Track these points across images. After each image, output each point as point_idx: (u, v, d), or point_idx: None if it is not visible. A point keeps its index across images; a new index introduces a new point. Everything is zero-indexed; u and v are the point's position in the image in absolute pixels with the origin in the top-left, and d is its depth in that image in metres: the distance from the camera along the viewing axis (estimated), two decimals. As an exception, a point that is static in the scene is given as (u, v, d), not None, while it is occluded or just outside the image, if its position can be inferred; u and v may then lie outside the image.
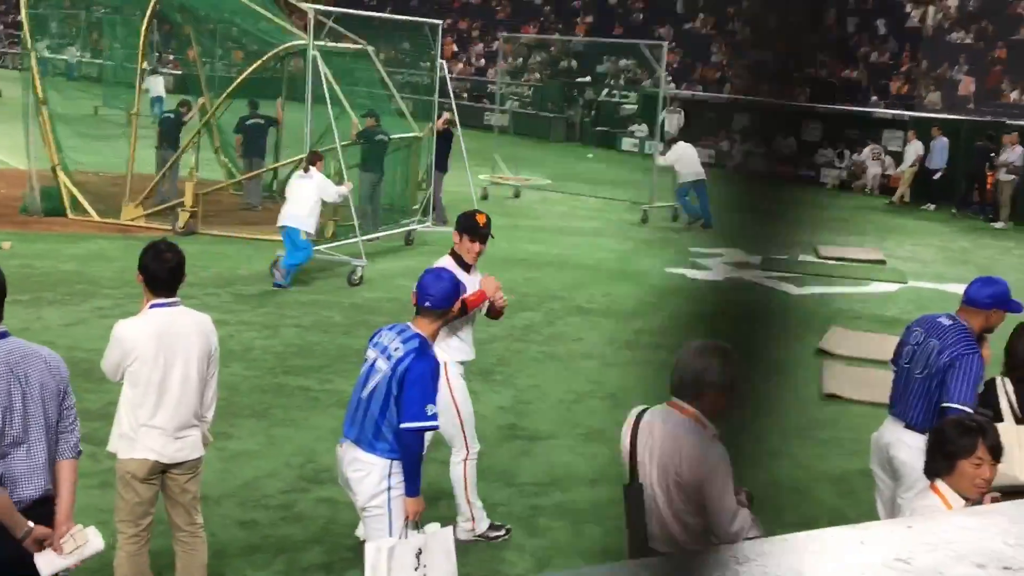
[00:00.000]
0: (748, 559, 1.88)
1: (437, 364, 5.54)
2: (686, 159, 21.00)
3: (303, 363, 10.74)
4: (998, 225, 23.46)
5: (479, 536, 7.21)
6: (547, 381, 10.68)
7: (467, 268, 7.14)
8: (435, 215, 19.42)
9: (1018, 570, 1.82)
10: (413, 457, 5.48)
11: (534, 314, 13.31)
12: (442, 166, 19.33)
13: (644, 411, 4.63)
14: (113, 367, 5.52)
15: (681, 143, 21.87)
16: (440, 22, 20.02)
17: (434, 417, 5.44)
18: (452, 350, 6.98)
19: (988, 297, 5.99)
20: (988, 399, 5.77)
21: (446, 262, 7.08)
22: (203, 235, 16.78)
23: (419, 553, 5.52)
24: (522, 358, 11.34)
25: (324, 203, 14.35)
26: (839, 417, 10.15)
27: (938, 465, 4.54)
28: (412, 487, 5.52)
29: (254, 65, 18.84)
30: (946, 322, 6.02)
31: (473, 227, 7.05)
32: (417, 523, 5.60)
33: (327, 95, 16.35)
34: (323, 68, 15.85)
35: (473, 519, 7.20)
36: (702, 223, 20.55)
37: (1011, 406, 5.70)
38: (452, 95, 16.79)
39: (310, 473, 7.98)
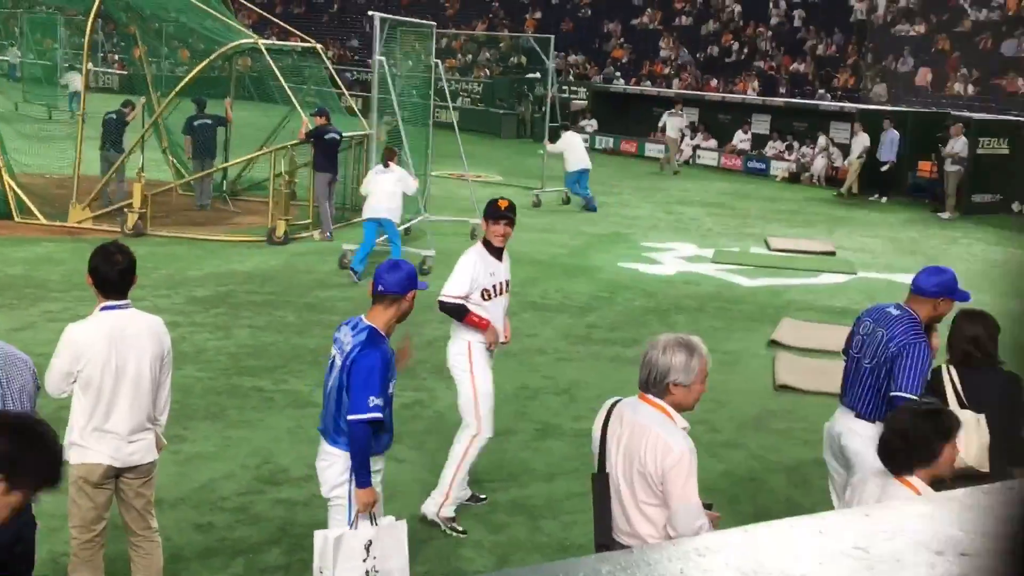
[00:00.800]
0: (709, 551, 1.89)
1: (385, 355, 5.48)
2: (573, 148, 21.73)
3: (257, 364, 10.67)
4: (945, 216, 23.77)
5: (441, 519, 7.23)
6: (501, 377, 10.64)
7: (498, 255, 7.45)
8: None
9: (974, 556, 1.84)
10: (359, 448, 5.49)
11: (488, 310, 13.28)
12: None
13: (617, 402, 4.69)
14: (60, 376, 5.41)
15: (570, 133, 22.56)
16: (434, 24, 20.23)
17: (376, 409, 5.40)
18: (476, 329, 7.43)
19: (935, 286, 6.06)
20: (934, 387, 5.85)
21: (477, 249, 7.44)
22: (152, 236, 16.62)
23: (368, 544, 5.52)
24: (477, 355, 11.33)
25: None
26: (792, 407, 10.24)
27: (917, 457, 4.43)
28: (361, 478, 5.53)
29: (201, 64, 18.69)
30: (894, 312, 6.09)
31: (494, 210, 7.32)
32: (372, 515, 5.60)
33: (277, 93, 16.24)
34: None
35: (446, 498, 7.23)
36: (588, 207, 21.45)
37: (956, 392, 5.78)
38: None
39: (266, 474, 7.93)
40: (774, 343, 12.43)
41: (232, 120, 20.08)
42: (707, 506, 4.55)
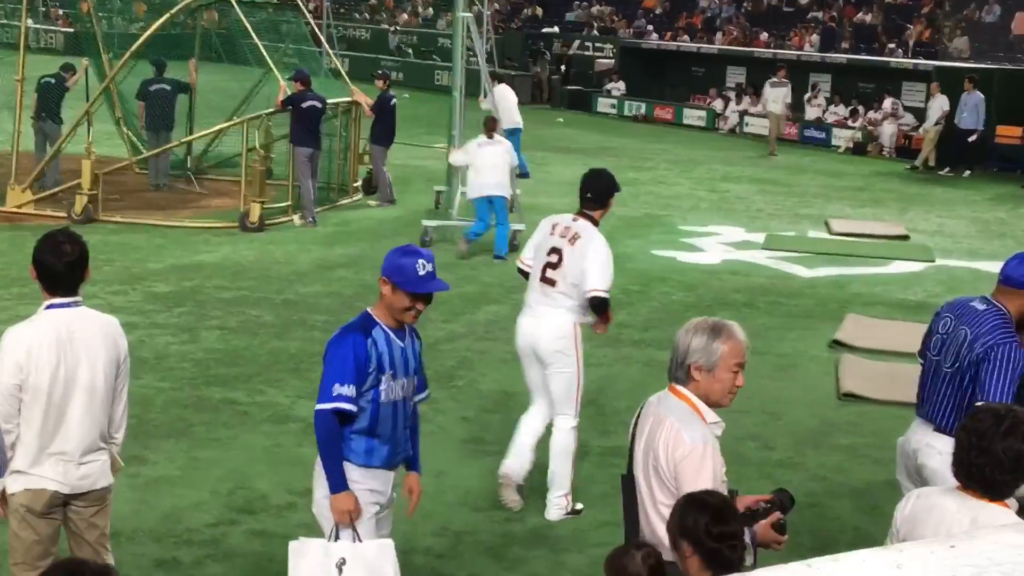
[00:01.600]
0: (766, 589, 1.89)
1: (361, 341, 5.52)
2: (506, 105, 21.45)
3: (228, 372, 10.69)
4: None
5: (569, 513, 8.00)
6: (516, 386, 10.65)
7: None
8: (379, 194, 19.41)
9: (1080, 594, 1.84)
10: (321, 443, 5.54)
11: (500, 307, 13.30)
12: (381, 139, 19.23)
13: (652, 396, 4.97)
14: (5, 393, 5.36)
15: (503, 86, 22.66)
16: None
17: (343, 399, 5.44)
18: (581, 310, 7.99)
19: None
20: None
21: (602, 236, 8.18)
22: (105, 223, 16.67)
23: (342, 564, 5.47)
24: (487, 359, 11.34)
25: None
26: (859, 420, 10.22)
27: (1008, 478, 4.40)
28: (331, 482, 5.55)
29: (160, 20, 18.72)
30: (980, 307, 6.06)
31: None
32: (355, 529, 5.54)
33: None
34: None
35: (569, 494, 8.02)
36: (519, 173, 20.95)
37: None
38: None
39: (241, 502, 7.95)
40: (837, 344, 12.40)
41: (196, 85, 20.11)
42: (732, 493, 4.69)
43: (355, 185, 19.81)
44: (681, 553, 4.16)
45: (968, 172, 25.86)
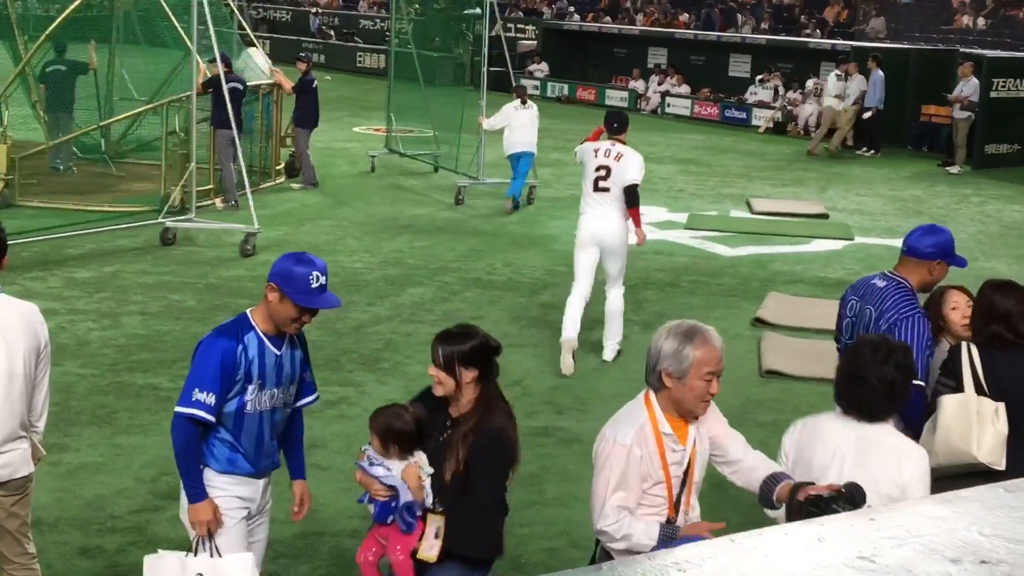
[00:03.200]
0: (690, 564, 1.90)
1: (230, 349, 5.24)
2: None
3: (151, 357, 10.59)
4: (954, 170, 24.03)
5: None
6: (443, 368, 10.67)
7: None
8: (303, 177, 19.28)
9: (997, 563, 1.87)
10: (176, 448, 5.30)
11: (425, 289, 13.30)
12: (304, 121, 19.10)
13: None
14: None
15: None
16: None
17: (200, 406, 5.19)
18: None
19: (931, 246, 6.16)
20: (951, 369, 5.88)
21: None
22: (22, 207, 16.39)
23: None
24: (412, 342, 11.32)
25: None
26: (781, 396, 10.34)
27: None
28: (188, 491, 5.33)
29: (77, 1, 18.42)
30: (880, 283, 6.17)
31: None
32: (213, 542, 5.34)
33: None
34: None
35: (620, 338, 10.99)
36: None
37: (975, 376, 5.80)
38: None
39: (165, 488, 7.88)
40: (759, 322, 12.53)
41: (95, 67, 19.76)
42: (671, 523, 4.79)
43: (278, 168, 19.67)
44: None
45: (872, 151, 26.12)
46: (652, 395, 4.79)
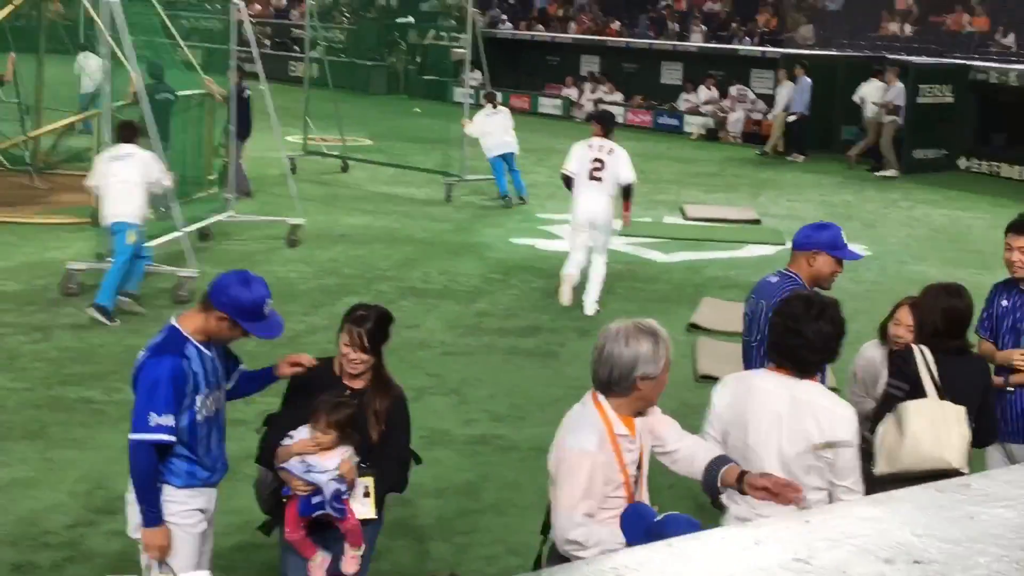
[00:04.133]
0: (629, 569, 1.91)
1: (178, 365, 5.20)
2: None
3: (84, 370, 10.47)
4: (888, 174, 24.28)
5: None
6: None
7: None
8: (237, 187, 19.12)
9: (929, 563, 1.90)
10: (137, 475, 5.28)
11: (360, 298, 13.20)
12: (240, 132, 18.98)
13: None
14: None
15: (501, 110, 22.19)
16: None
17: (159, 429, 5.16)
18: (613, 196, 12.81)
19: (806, 237, 6.36)
20: (905, 372, 5.93)
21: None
22: (-51, 220, 16.17)
23: None
24: (348, 351, 11.27)
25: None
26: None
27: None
28: (147, 514, 5.31)
29: (3, 12, 18.20)
30: (773, 279, 6.39)
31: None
32: (167, 565, 5.34)
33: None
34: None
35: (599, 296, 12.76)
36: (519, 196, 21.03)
37: (932, 378, 5.86)
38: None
39: (99, 502, 7.79)
40: (694, 327, 12.61)
41: (11, 80, 19.51)
42: None
43: (210, 178, 19.50)
44: None
45: (802, 157, 26.39)
46: (602, 399, 4.70)
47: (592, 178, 12.76)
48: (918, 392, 5.79)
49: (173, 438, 5.21)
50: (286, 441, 5.46)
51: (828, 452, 4.83)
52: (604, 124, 13.41)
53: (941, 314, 5.99)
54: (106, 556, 7.08)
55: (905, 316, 6.49)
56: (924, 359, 5.91)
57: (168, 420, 5.16)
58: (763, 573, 1.90)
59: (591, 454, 4.60)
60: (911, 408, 5.72)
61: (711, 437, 5.16)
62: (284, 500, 5.50)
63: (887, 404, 5.89)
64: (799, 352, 4.94)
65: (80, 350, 11.05)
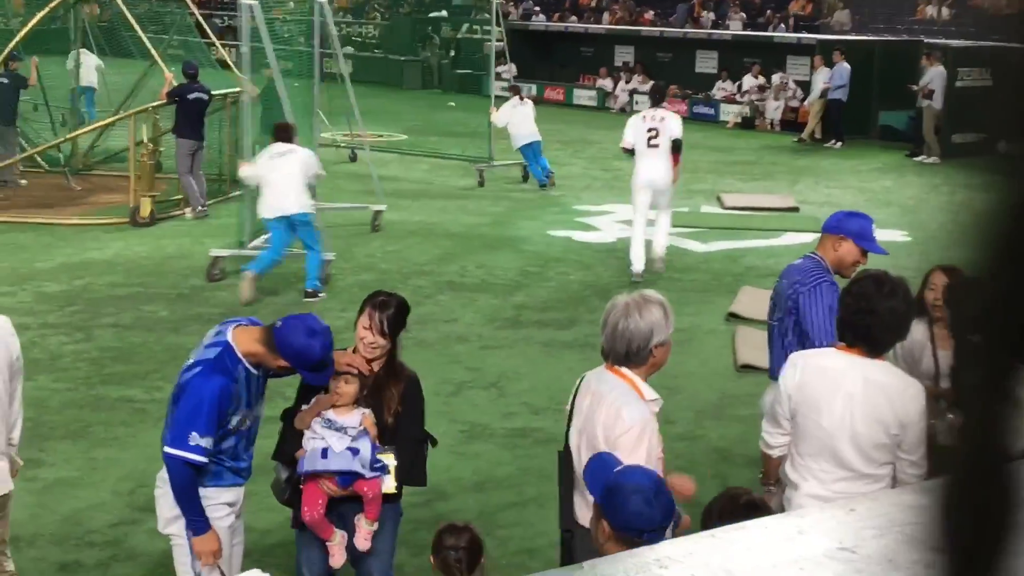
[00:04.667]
0: (672, 561, 1.90)
1: (228, 386, 5.19)
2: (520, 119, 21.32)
3: (125, 369, 10.53)
4: (929, 160, 24.11)
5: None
6: (418, 371, 10.56)
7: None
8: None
9: (977, 550, 1.87)
10: (176, 488, 5.24)
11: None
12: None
13: (587, 373, 5.14)
14: None
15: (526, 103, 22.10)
16: None
17: (198, 450, 5.13)
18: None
19: (836, 221, 6.36)
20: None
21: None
22: (-10, 223, 16.31)
23: None
24: (387, 346, 11.30)
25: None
26: (757, 390, 10.29)
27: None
28: (192, 523, 5.31)
29: (39, 14, 18.35)
30: (798, 261, 6.42)
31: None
32: (219, 568, 5.38)
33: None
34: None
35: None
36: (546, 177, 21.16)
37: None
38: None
39: (142, 501, 7.82)
40: (733, 316, 12.56)
41: (35, 83, 19.64)
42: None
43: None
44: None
45: (839, 144, 26.26)
46: (625, 370, 4.90)
47: (650, 146, 14.10)
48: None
49: (206, 460, 5.19)
50: (305, 407, 5.53)
51: (898, 430, 4.89)
52: (653, 96, 15.33)
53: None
54: (150, 555, 7.13)
55: (940, 279, 6.46)
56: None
57: (206, 442, 5.13)
58: (808, 562, 1.88)
59: (649, 420, 4.80)
60: None
61: (781, 417, 5.22)
62: (300, 485, 5.52)
63: None
64: (872, 331, 4.95)
65: (121, 350, 11.12)
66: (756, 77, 30.77)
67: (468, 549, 4.91)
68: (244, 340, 5.26)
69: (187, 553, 5.43)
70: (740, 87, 31.08)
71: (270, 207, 12.83)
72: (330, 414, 5.47)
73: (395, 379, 5.76)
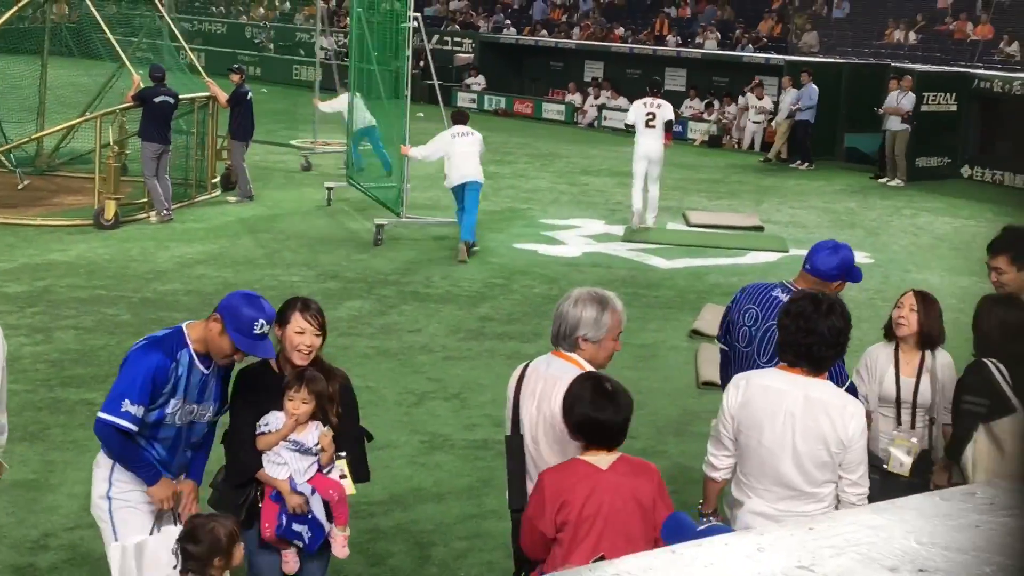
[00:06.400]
0: (631, 575, 1.90)
1: (164, 364, 5.31)
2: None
3: (85, 372, 10.47)
4: (892, 182, 24.28)
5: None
6: (381, 381, 10.65)
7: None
8: (238, 190, 19.16)
9: (934, 571, 1.89)
10: (113, 454, 5.46)
11: (363, 302, 13.25)
12: (239, 134, 19.00)
13: (530, 363, 5.32)
14: None
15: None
16: None
17: (126, 416, 5.25)
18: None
19: (836, 268, 6.18)
20: (981, 387, 5.89)
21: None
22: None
23: (177, 550, 5.25)
24: (350, 355, 11.27)
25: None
26: (718, 408, 10.37)
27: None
28: (143, 476, 5.47)
29: (7, 14, 18.23)
30: (783, 297, 6.11)
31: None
32: (175, 514, 5.57)
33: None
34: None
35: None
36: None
37: (1016, 393, 5.82)
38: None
39: (99, 504, 7.78)
40: (696, 333, 12.59)
41: None
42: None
43: (213, 181, 19.53)
44: None
45: (807, 165, 26.40)
46: (570, 354, 5.15)
47: (648, 126, 18.30)
48: (1006, 407, 5.79)
49: (135, 428, 5.32)
50: (265, 429, 5.53)
51: (838, 447, 4.97)
52: (653, 89, 19.41)
53: (998, 326, 5.96)
54: (105, 559, 7.07)
55: (908, 299, 6.46)
56: (1001, 374, 5.91)
57: (137, 410, 5.28)
58: (766, 580, 1.89)
59: None
60: (1005, 426, 5.75)
61: (725, 437, 5.29)
62: (259, 504, 5.56)
63: (967, 422, 5.91)
64: (814, 349, 5.03)
65: (81, 352, 11.05)
66: (761, 99, 30.04)
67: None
68: (196, 327, 5.47)
69: (110, 531, 5.54)
70: (713, 105, 31.10)
71: (459, 175, 15.67)
72: (293, 436, 5.52)
73: (331, 380, 5.72)
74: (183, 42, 21.08)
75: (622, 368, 11.02)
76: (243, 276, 13.98)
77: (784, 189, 23.44)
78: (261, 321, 5.31)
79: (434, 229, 17.29)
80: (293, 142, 25.82)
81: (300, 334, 5.52)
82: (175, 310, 12.33)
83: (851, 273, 6.25)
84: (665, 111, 18.40)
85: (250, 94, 19.19)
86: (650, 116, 18.27)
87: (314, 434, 5.55)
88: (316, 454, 5.56)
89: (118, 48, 18.25)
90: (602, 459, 4.76)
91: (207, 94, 19.14)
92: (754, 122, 29.49)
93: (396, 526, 7.80)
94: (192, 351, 5.40)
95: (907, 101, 24.34)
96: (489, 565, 7.31)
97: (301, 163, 22.59)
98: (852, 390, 5.72)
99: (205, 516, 5.17)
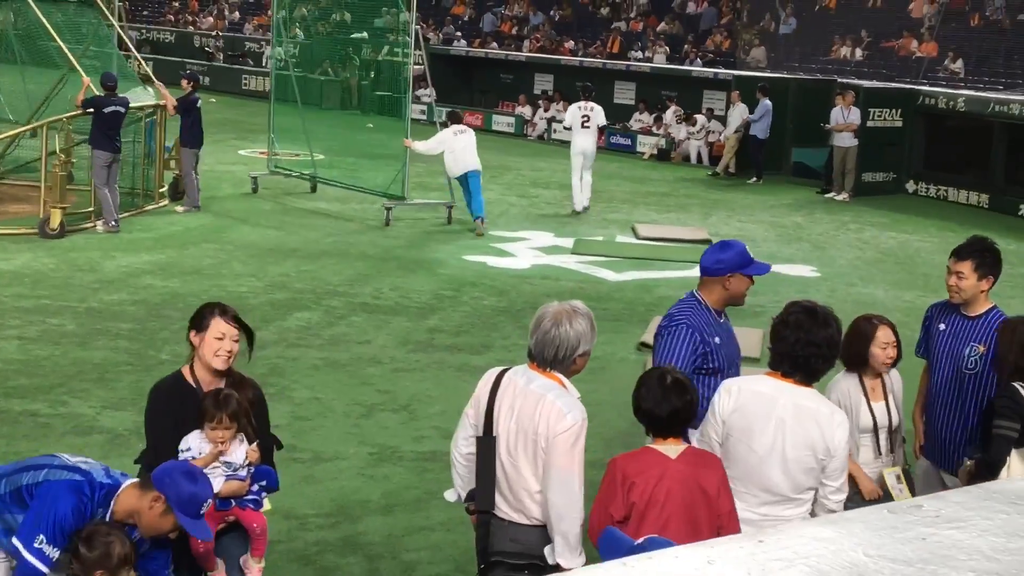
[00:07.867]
0: (582, 589, 1.90)
1: (81, 516, 4.83)
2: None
3: (28, 383, 10.35)
4: (839, 197, 24.48)
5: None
6: (329, 393, 10.61)
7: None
8: (187, 199, 19.05)
9: (882, 583, 1.90)
10: None
11: (311, 314, 13.19)
12: (189, 141, 18.88)
13: (505, 370, 5.32)
14: None
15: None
16: None
17: (41, 557, 4.75)
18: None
19: (719, 262, 6.21)
20: (1013, 411, 5.90)
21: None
22: None
23: None
24: (299, 366, 11.23)
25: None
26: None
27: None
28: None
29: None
30: (686, 307, 6.31)
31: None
32: None
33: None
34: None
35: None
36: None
37: None
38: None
39: (43, 516, 7.69)
40: (645, 346, 12.63)
41: None
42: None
43: (161, 190, 19.40)
44: None
45: (758, 180, 26.58)
46: (553, 372, 5.17)
47: (583, 127, 20.98)
48: None
49: (47, 571, 4.81)
50: (188, 456, 5.33)
51: (825, 455, 5.09)
52: (587, 93, 21.86)
53: (1020, 349, 5.98)
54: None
55: (885, 335, 6.41)
56: None
57: (52, 553, 4.77)
58: (716, 593, 1.90)
59: (585, 421, 5.17)
60: None
61: (713, 440, 5.36)
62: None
63: (1001, 447, 5.90)
64: (811, 361, 5.13)
65: (25, 362, 10.93)
66: (710, 121, 30.29)
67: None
68: (126, 501, 4.93)
69: None
70: (659, 119, 31.29)
71: (461, 166, 18.77)
72: (224, 458, 5.46)
73: (244, 389, 5.61)
74: (133, 50, 20.96)
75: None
76: (191, 286, 13.89)
77: (732, 203, 23.58)
78: (209, 500, 4.98)
79: (386, 240, 17.25)
80: (242, 152, 25.70)
81: (220, 339, 5.44)
82: (121, 320, 12.24)
83: (746, 266, 6.18)
84: (598, 115, 21.23)
85: (199, 102, 19.09)
86: (585, 118, 20.97)
87: (241, 451, 5.49)
88: (247, 467, 5.54)
89: (69, 54, 18.10)
90: (671, 448, 5.01)
91: (155, 102, 19.02)
92: (695, 140, 29.73)
93: (344, 538, 7.77)
94: (111, 518, 4.93)
95: (855, 116, 24.57)
96: (437, 577, 7.29)
97: (251, 186, 22.17)
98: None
99: (108, 527, 4.83)
